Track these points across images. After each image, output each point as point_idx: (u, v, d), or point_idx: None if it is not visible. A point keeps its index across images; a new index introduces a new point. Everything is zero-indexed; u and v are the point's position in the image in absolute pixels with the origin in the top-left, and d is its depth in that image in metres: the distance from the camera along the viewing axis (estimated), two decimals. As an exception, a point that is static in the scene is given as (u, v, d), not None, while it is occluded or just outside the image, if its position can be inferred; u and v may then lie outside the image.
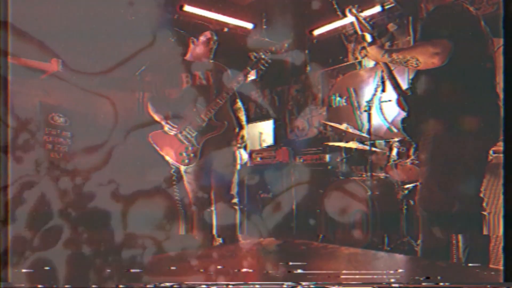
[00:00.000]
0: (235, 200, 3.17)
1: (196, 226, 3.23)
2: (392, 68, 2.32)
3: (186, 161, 3.03)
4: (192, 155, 3.03)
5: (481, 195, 2.15)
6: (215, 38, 3.24)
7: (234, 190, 3.16)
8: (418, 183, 3.31)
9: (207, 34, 3.22)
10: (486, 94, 2.08)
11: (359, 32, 2.29)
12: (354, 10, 2.30)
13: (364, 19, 2.30)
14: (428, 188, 2.14)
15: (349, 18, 2.35)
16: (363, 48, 2.28)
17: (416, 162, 3.23)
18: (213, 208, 3.18)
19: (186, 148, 3.04)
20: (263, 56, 3.06)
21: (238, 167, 3.22)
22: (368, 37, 2.25)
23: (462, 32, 2.05)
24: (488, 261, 2.17)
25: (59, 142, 3.37)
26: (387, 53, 2.18)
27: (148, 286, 1.56)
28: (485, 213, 2.13)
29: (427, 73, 2.15)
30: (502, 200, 1.79)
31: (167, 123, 3.07)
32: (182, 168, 3.10)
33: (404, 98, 2.24)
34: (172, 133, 3.07)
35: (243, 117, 3.30)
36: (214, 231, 3.20)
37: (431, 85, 2.15)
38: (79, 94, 3.85)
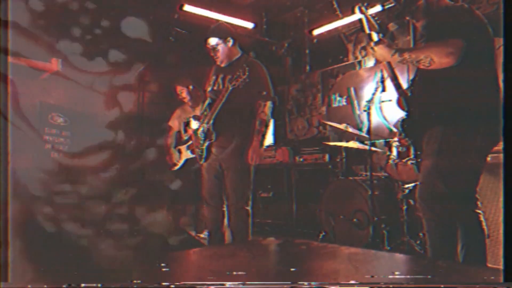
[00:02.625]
0: (248, 207, 3.16)
1: (208, 222, 3.35)
2: (394, 67, 2.31)
3: (201, 161, 3.20)
4: (203, 156, 3.17)
5: (476, 195, 2.16)
6: (213, 46, 3.13)
7: (249, 196, 3.16)
8: (418, 183, 3.33)
9: (208, 42, 3.15)
10: (490, 94, 2.08)
11: (367, 31, 2.26)
12: (363, 8, 2.28)
13: (373, 17, 2.27)
14: (430, 182, 2.14)
15: (356, 16, 2.32)
16: (363, 48, 2.28)
17: (414, 161, 3.22)
18: (224, 208, 3.21)
19: (198, 149, 3.22)
20: (240, 74, 3.00)
21: (252, 169, 3.19)
22: (375, 36, 2.23)
23: (470, 32, 2.06)
24: (486, 260, 2.17)
25: (59, 142, 3.37)
26: (398, 52, 2.16)
27: (148, 285, 1.56)
28: (479, 211, 2.14)
29: (429, 73, 2.15)
30: (502, 199, 1.80)
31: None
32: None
33: (404, 98, 2.24)
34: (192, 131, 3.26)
35: (259, 126, 3.08)
36: (226, 230, 3.25)
37: (433, 85, 2.15)
38: (79, 94, 3.85)
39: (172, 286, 1.52)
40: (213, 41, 3.13)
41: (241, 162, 3.08)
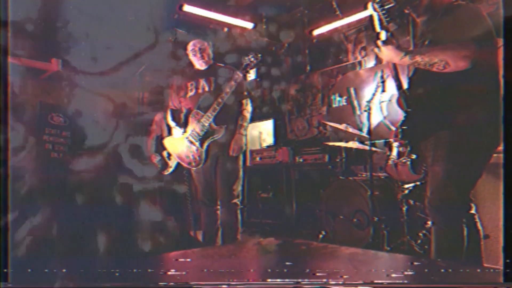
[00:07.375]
0: (236, 200, 3.24)
1: (203, 223, 3.42)
2: (398, 67, 2.26)
3: (193, 163, 3.23)
4: (197, 157, 3.19)
5: (471, 197, 2.15)
6: (201, 46, 3.25)
7: (237, 190, 3.24)
8: (418, 183, 3.32)
9: (193, 44, 3.27)
10: (493, 97, 2.04)
11: (377, 29, 2.18)
12: (376, 5, 2.17)
13: (385, 16, 2.18)
14: (442, 188, 2.08)
15: (368, 12, 2.24)
16: (363, 48, 2.26)
17: (409, 161, 3.21)
18: (218, 207, 3.29)
19: (192, 151, 3.21)
20: (252, 59, 3.17)
21: (241, 164, 3.28)
22: (383, 35, 2.16)
23: (480, 35, 1.99)
24: (481, 260, 2.16)
25: (59, 142, 3.37)
26: (409, 55, 2.09)
27: (149, 285, 1.56)
28: (474, 212, 2.13)
29: (429, 73, 2.10)
30: (502, 199, 1.79)
31: (175, 128, 3.35)
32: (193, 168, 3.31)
33: (404, 98, 2.20)
34: (179, 137, 3.29)
35: (241, 122, 3.27)
36: (219, 230, 3.30)
37: (434, 86, 2.11)
38: (79, 94, 3.85)
39: (172, 285, 1.52)
40: (201, 42, 3.27)
41: (229, 158, 3.19)
